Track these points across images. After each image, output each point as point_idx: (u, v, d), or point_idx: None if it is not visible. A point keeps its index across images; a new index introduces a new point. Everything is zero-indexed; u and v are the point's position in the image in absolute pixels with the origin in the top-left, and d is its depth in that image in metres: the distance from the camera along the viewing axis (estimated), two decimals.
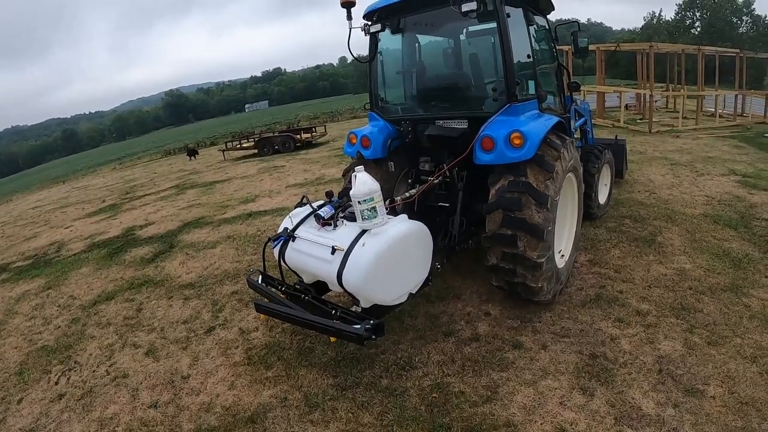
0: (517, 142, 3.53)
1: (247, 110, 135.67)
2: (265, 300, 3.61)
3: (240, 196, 10.03)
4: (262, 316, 3.71)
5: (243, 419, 3.13)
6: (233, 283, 5.32)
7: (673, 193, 7.08)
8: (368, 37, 4.49)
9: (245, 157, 18.12)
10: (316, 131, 19.88)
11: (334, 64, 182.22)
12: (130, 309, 5.00)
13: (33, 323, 5.06)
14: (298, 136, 18.46)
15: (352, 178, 3.18)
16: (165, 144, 44.88)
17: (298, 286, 3.71)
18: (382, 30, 4.35)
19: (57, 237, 9.07)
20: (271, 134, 19.60)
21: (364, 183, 3.09)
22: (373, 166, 4.47)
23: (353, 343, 3.41)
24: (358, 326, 2.90)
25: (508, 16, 3.77)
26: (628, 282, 4.44)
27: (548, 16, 4.86)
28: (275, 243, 3.65)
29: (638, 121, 15.99)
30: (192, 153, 22.65)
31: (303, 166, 13.06)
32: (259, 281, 3.84)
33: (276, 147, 17.84)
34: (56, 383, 3.88)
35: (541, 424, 2.82)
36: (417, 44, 4.67)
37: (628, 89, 18.95)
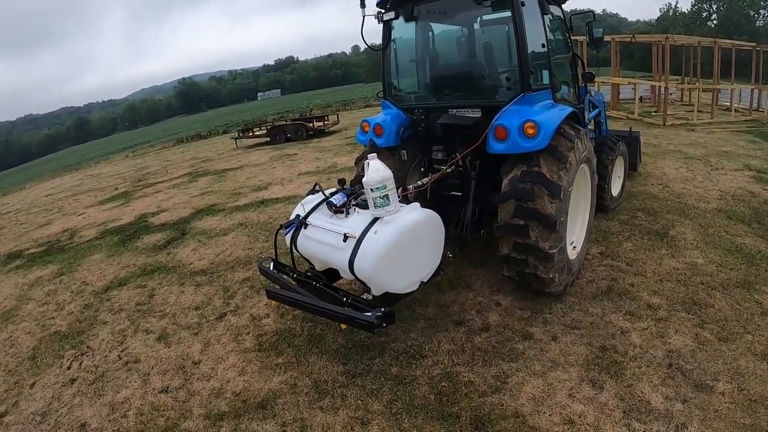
0: (530, 131, 3.51)
1: (259, 98, 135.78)
2: (277, 287, 3.63)
3: (252, 184, 10.07)
4: (273, 302, 3.73)
5: (253, 405, 3.17)
6: (245, 270, 5.36)
7: (687, 187, 6.99)
8: (381, 25, 4.47)
9: (257, 145, 18.13)
10: (328, 119, 19.79)
11: (347, 53, 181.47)
12: (143, 295, 5.07)
13: (46, 309, 5.14)
14: (311, 125, 18.39)
15: (365, 165, 3.17)
16: (177, 132, 45.04)
17: (310, 273, 3.73)
18: (396, 18, 4.33)
19: (70, 224, 9.17)
20: (284, 122, 19.56)
21: (377, 170, 3.09)
22: (386, 154, 4.46)
23: (364, 331, 3.43)
24: (369, 314, 2.91)
25: (523, 4, 3.73)
26: (639, 275, 4.41)
27: (563, 6, 4.80)
28: (287, 230, 3.67)
29: (652, 113, 15.77)
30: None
31: (315, 155, 13.06)
32: (271, 268, 3.87)
33: (288, 135, 17.81)
34: (68, 368, 3.95)
35: (549, 415, 2.82)
36: (430, 32, 4.64)
37: (642, 81, 18.66)
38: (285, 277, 3.77)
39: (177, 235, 7.00)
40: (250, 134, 19.49)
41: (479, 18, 4.63)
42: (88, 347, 4.22)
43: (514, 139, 3.57)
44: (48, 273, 6.29)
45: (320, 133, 18.11)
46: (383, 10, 4.35)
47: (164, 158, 20.45)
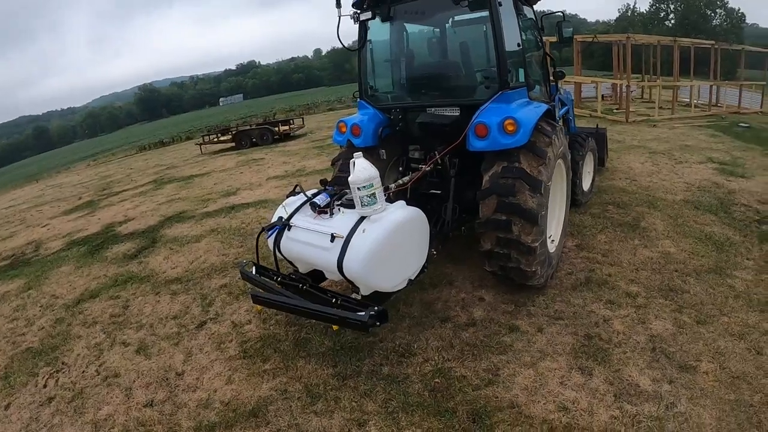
0: (510, 128, 3.55)
1: (221, 104, 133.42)
2: (261, 291, 3.57)
3: (221, 190, 9.89)
4: (258, 307, 3.66)
5: (244, 413, 3.09)
6: (221, 276, 5.24)
7: (654, 180, 7.24)
8: (357, 25, 4.45)
9: (222, 150, 17.87)
10: (294, 123, 19.68)
11: (309, 57, 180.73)
12: (116, 306, 4.89)
13: (15, 325, 4.90)
14: (276, 129, 18.25)
15: (351, 164, 3.16)
16: (139, 139, 43.92)
17: (294, 276, 3.68)
18: (372, 18, 4.32)
19: (34, 236, 8.80)
20: (249, 127, 19.34)
21: (363, 169, 3.08)
22: (365, 155, 4.45)
23: (356, 331, 3.43)
24: (363, 313, 2.88)
25: (500, 5, 3.79)
26: (615, 265, 4.54)
27: (534, 7, 4.91)
28: (270, 233, 3.61)
29: (615, 111, 16.29)
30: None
31: (282, 159, 12.94)
32: (253, 272, 3.80)
33: (254, 140, 17.61)
34: (44, 386, 3.76)
35: (544, 403, 2.87)
36: (407, 33, 4.65)
37: (604, 80, 19.27)
38: (268, 281, 3.70)
39: (147, 243, 6.80)
40: (215, 139, 19.21)
41: (456, 18, 4.68)
42: (63, 363, 4.03)
43: (494, 136, 3.61)
44: (14, 287, 6.00)
45: (286, 137, 17.98)
46: (359, 11, 4.33)
47: (127, 166, 19.94)
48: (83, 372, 3.86)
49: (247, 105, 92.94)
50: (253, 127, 19.07)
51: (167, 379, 3.59)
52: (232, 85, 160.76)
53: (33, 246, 7.99)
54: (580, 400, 2.87)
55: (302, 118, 21.24)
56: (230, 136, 18.53)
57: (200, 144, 19.29)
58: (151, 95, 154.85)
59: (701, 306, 3.78)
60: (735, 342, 3.32)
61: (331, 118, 25.49)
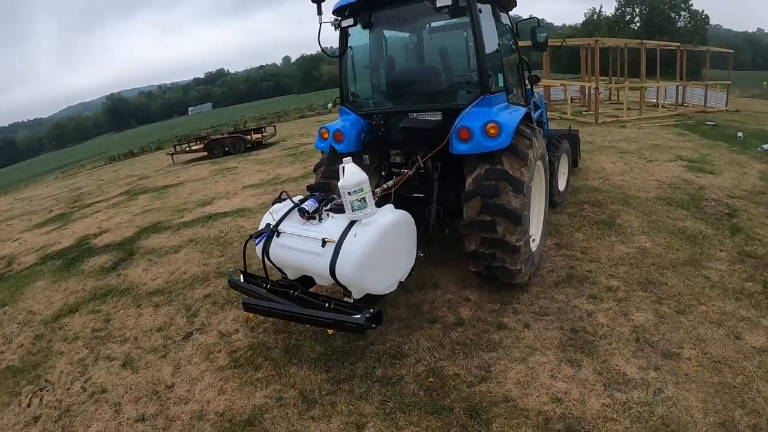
0: (492, 131, 3.63)
1: (190, 113, 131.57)
2: (251, 299, 3.56)
3: (196, 199, 9.78)
4: (251, 315, 3.64)
5: (240, 423, 3.06)
6: (204, 286, 5.18)
7: (626, 179, 7.47)
8: (338, 32, 4.49)
9: (195, 160, 17.62)
10: (266, 131, 19.57)
11: (278, 64, 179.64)
12: (97, 320, 4.77)
13: None
14: (249, 137, 18.12)
15: (340, 169, 3.18)
16: (108, 150, 42.91)
17: (284, 283, 3.68)
18: (354, 25, 4.36)
19: (6, 251, 8.51)
20: (221, 136, 19.14)
21: (353, 173, 3.11)
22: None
23: (351, 334, 3.45)
24: (358, 316, 2.91)
25: (480, 11, 3.88)
26: (594, 262, 4.68)
27: (510, 13, 5.04)
28: (258, 240, 3.60)
29: (584, 113, 16.73)
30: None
31: (256, 167, 12.87)
32: (241, 280, 3.78)
33: (226, 149, 17.44)
34: (29, 405, 3.64)
35: (537, 396, 2.95)
36: (388, 39, 4.71)
37: (573, 83, 19.77)
38: (257, 288, 3.69)
39: (124, 255, 6.67)
40: (187, 149, 18.94)
41: (436, 24, 4.76)
42: (46, 381, 3.91)
43: (477, 139, 3.69)
44: None
45: (258, 146, 17.86)
46: (340, 17, 4.37)
47: (98, 177, 19.50)
48: (68, 389, 3.75)
49: (216, 114, 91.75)
50: (226, 135, 18.89)
51: (157, 392, 3.52)
52: (200, 93, 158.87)
53: (5, 261, 7.74)
54: (572, 390, 2.97)
55: (274, 126, 21.12)
56: (202, 146, 18.30)
57: (172, 154, 18.99)
58: (119, 105, 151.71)
59: (679, 296, 3.94)
60: (714, 329, 3.49)
61: (302, 125, 25.43)
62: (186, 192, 10.90)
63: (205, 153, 17.81)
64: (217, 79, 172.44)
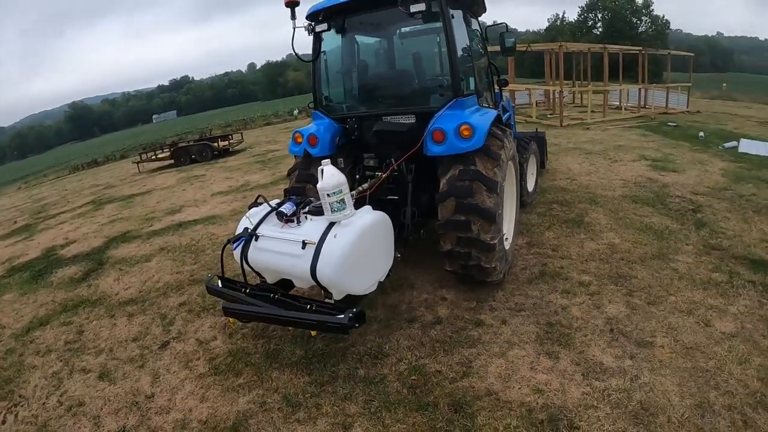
0: (466, 133, 3.72)
1: (155, 121, 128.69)
2: (232, 303, 3.53)
3: (164, 208, 9.60)
4: (231, 320, 3.61)
5: (225, 430, 3.03)
6: (178, 294, 5.11)
7: (592, 179, 7.72)
8: (312, 37, 4.51)
9: (161, 168, 17.27)
10: (233, 138, 19.36)
11: (243, 71, 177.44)
12: (70, 332, 4.64)
13: None
14: (216, 144, 17.88)
15: (319, 172, 3.21)
16: (71, 159, 41.54)
17: (263, 286, 3.67)
18: (328, 30, 4.39)
19: None
20: (188, 143, 18.81)
21: (332, 176, 3.14)
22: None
23: (335, 334, 3.47)
24: (342, 316, 2.94)
25: (453, 17, 3.97)
26: (566, 258, 4.83)
27: (479, 19, 5.16)
28: (236, 244, 3.58)
29: (549, 116, 17.13)
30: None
31: (224, 174, 12.73)
32: (219, 286, 3.75)
33: (193, 156, 17.14)
34: (3, 422, 3.51)
35: (519, 388, 3.04)
36: (361, 44, 4.76)
37: (537, 87, 20.25)
38: (237, 293, 3.66)
39: (94, 265, 6.50)
40: (153, 157, 18.56)
41: (409, 29, 4.84)
42: (20, 396, 3.76)
43: (451, 141, 3.76)
44: None
45: (225, 153, 17.64)
46: (314, 22, 4.39)
47: (62, 187, 18.90)
48: (44, 404, 3.63)
49: (181, 121, 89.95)
50: (192, 143, 18.59)
51: (137, 402, 3.45)
52: (165, 101, 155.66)
53: None
54: (552, 381, 3.07)
55: (241, 133, 20.88)
56: (168, 154, 17.95)
57: (137, 162, 18.56)
58: (81, 113, 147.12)
59: (649, 288, 4.12)
60: (684, 317, 3.66)
61: (268, 132, 25.23)
62: (154, 200, 10.69)
63: (172, 161, 17.48)
64: (181, 86, 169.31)
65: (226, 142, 18.46)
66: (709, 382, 2.98)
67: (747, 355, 3.21)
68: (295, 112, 35.63)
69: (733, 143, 10.76)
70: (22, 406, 3.67)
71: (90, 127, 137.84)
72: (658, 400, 2.84)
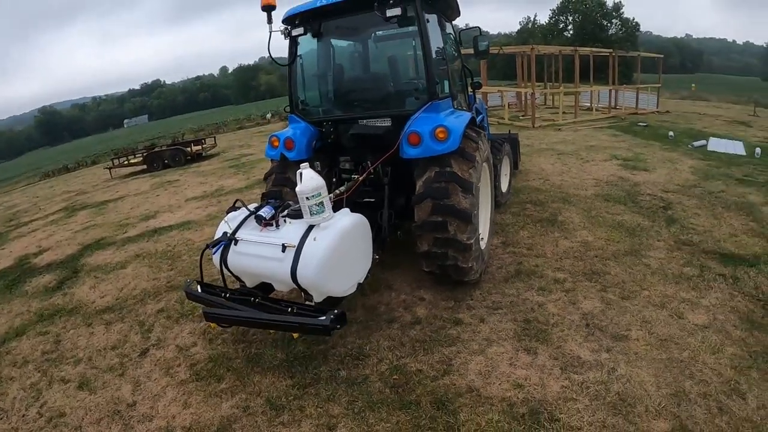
0: (441, 136, 3.78)
1: (126, 126, 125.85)
2: (212, 308, 3.52)
3: (139, 214, 9.48)
4: (213, 325, 3.60)
5: None
6: (156, 301, 5.06)
7: (565, 179, 7.89)
8: (288, 40, 4.52)
9: (134, 173, 17.00)
10: (206, 143, 19.16)
11: (215, 75, 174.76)
12: (47, 342, 4.55)
13: None
14: (189, 149, 17.67)
15: (298, 175, 3.24)
16: (42, 166, 40.30)
17: (243, 290, 3.67)
18: (304, 34, 4.41)
19: None
20: (160, 148, 18.54)
21: (311, 179, 3.18)
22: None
23: (317, 336, 3.49)
24: (323, 317, 2.96)
25: (428, 21, 4.04)
26: (541, 257, 4.95)
27: (453, 23, 5.25)
28: (215, 249, 3.58)
29: (521, 117, 17.44)
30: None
31: (198, 179, 12.61)
32: (199, 291, 3.74)
33: (166, 161, 16.90)
34: None
35: (499, 384, 3.12)
36: (337, 47, 4.79)
37: (509, 89, 20.56)
38: (217, 298, 3.65)
39: (69, 274, 6.38)
40: (126, 162, 18.25)
41: (384, 33, 4.89)
42: None
43: (426, 143, 3.81)
44: None
45: (199, 158, 17.46)
46: (290, 26, 4.41)
47: (32, 194, 18.38)
48: (24, 416, 3.55)
49: (153, 126, 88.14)
50: (165, 148, 18.33)
51: (119, 411, 3.41)
52: (136, 105, 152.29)
53: None
54: (531, 376, 3.16)
55: (214, 138, 20.66)
56: (141, 159, 17.67)
57: (110, 168, 18.21)
58: (52, 118, 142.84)
59: (623, 284, 4.26)
60: (658, 311, 3.81)
61: (241, 136, 24.99)
62: (127, 207, 10.53)
63: (145, 166, 17.21)
64: (153, 90, 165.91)
65: (199, 147, 18.27)
66: (684, 372, 3.10)
67: (720, 345, 3.35)
68: (269, 115, 35.33)
69: (702, 142, 11.11)
70: (1, 418, 3.59)
71: (60, 132, 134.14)
72: (635, 391, 2.95)
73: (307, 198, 3.16)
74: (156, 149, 18.37)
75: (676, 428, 2.67)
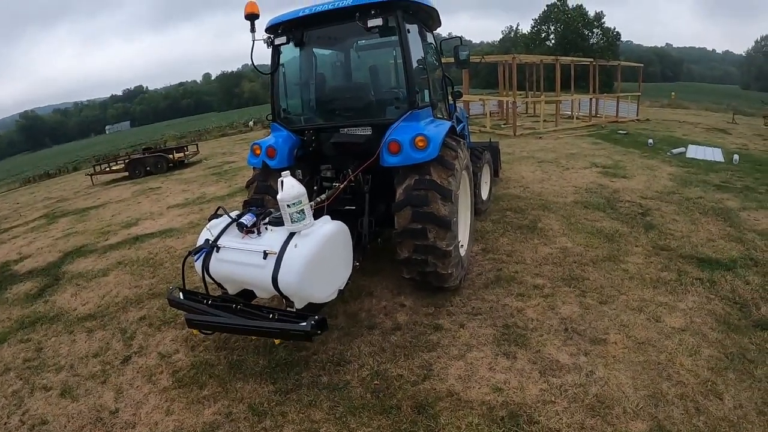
0: (421, 144, 3.85)
1: (108, 131, 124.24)
2: (195, 314, 3.54)
3: (120, 221, 9.40)
4: (195, 331, 3.62)
5: None
6: (138, 308, 5.04)
7: (545, 186, 8.03)
8: (271, 49, 4.56)
9: (115, 180, 16.81)
10: (188, 150, 19.03)
11: (198, 81, 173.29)
12: (28, 350, 4.51)
13: None
14: (171, 156, 17.52)
15: (279, 183, 3.27)
16: (22, 171, 39.61)
17: (225, 297, 3.69)
18: (287, 43, 4.46)
19: None
20: (142, 155, 18.37)
21: (292, 186, 3.22)
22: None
23: (298, 341, 3.53)
24: (304, 323, 3.00)
25: (409, 32, 4.12)
26: (520, 263, 5.03)
27: (434, 33, 5.33)
28: (197, 256, 3.60)
29: (502, 125, 17.63)
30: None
31: (180, 186, 12.54)
32: (181, 298, 3.75)
33: (148, 168, 16.73)
34: None
35: (479, 388, 3.17)
36: (319, 57, 4.84)
37: (491, 97, 20.82)
38: (199, 304, 3.66)
39: (50, 281, 6.32)
40: (107, 169, 18.05)
41: (366, 43, 4.96)
42: None
43: (406, 152, 3.88)
44: None
45: (181, 165, 17.33)
46: (273, 35, 4.46)
47: (13, 200, 18.03)
48: (5, 424, 3.52)
49: (135, 132, 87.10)
50: (147, 155, 18.18)
51: (101, 419, 3.39)
52: (118, 111, 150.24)
53: None
54: (510, 380, 3.22)
55: (196, 145, 20.53)
56: (123, 166, 17.50)
57: (91, 174, 17.97)
58: (33, 123, 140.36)
59: (601, 289, 4.36)
60: (635, 315, 3.91)
61: (224, 144, 24.85)
62: (109, 214, 10.43)
63: (126, 173, 17.04)
64: (135, 96, 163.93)
65: (182, 154, 18.11)
66: (662, 373, 3.19)
67: (697, 347, 3.45)
68: (251, 123, 35.20)
69: (681, 149, 11.33)
70: None
71: (42, 137, 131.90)
72: (613, 393, 3.03)
73: (288, 206, 3.19)
74: (138, 156, 18.20)
75: (653, 429, 2.74)
